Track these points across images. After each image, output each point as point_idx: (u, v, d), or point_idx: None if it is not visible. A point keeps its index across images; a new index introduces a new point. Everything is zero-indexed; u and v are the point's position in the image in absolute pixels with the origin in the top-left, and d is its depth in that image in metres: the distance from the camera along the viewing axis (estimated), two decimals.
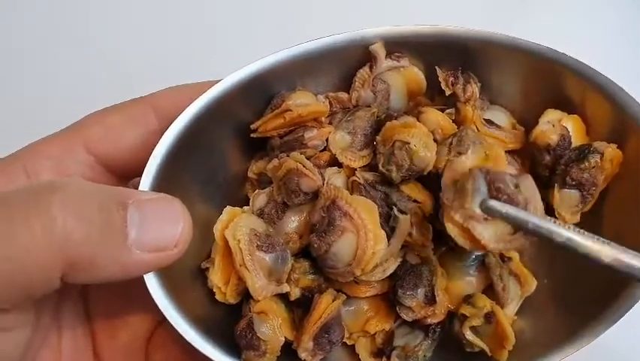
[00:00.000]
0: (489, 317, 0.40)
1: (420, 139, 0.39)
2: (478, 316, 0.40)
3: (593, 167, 0.39)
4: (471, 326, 0.40)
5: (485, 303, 0.40)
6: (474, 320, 0.40)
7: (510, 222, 0.34)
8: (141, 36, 0.71)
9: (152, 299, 0.36)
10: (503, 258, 0.42)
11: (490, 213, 0.34)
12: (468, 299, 0.41)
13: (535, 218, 0.33)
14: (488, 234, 0.34)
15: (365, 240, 0.38)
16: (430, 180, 0.42)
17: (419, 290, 0.40)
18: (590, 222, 0.41)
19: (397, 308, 0.40)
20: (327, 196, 0.39)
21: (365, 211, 0.38)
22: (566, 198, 0.41)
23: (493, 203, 0.34)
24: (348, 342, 0.43)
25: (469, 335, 0.40)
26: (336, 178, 0.42)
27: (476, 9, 0.69)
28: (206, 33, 0.71)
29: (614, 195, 0.41)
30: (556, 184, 0.41)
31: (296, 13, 0.71)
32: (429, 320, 0.40)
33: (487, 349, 0.40)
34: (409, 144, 0.39)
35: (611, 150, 0.39)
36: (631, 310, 0.37)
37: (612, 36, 0.70)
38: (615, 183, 0.41)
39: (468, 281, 0.43)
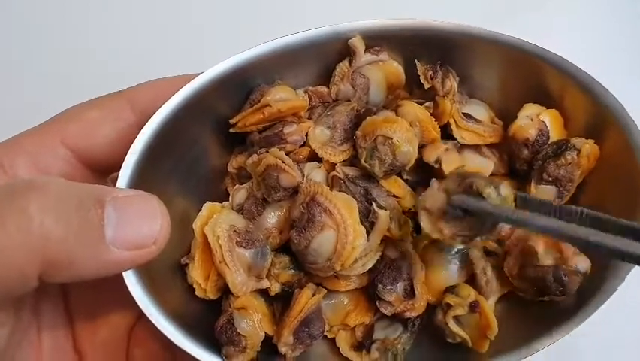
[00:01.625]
0: (474, 306, 0.40)
1: (402, 134, 0.40)
2: (463, 305, 0.40)
3: (570, 163, 0.40)
4: (454, 315, 0.40)
5: (470, 292, 0.41)
6: (458, 309, 0.40)
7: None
8: (123, 33, 0.70)
9: (131, 296, 0.36)
10: (488, 252, 0.42)
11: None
12: (452, 289, 0.41)
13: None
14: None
15: (344, 235, 0.38)
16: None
17: (398, 284, 0.41)
18: None
19: (377, 303, 0.41)
20: (307, 192, 0.39)
21: (344, 207, 0.38)
22: (543, 194, 0.41)
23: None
24: (328, 335, 0.43)
25: (452, 325, 0.40)
26: (315, 173, 0.42)
27: (465, 7, 0.69)
28: (186, 28, 0.70)
29: (591, 188, 0.42)
30: (532, 180, 0.41)
31: (275, 7, 0.71)
32: (408, 314, 0.41)
33: (468, 339, 0.40)
34: (391, 139, 0.39)
35: (588, 147, 0.40)
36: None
37: (605, 36, 0.70)
38: (592, 177, 0.41)
39: (449, 274, 0.43)
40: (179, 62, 0.64)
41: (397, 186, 0.41)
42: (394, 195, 0.41)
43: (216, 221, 0.39)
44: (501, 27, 0.42)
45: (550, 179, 0.40)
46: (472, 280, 0.42)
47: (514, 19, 0.68)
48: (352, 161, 0.43)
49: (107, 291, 0.41)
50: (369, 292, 0.42)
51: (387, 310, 0.40)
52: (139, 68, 0.64)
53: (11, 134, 0.40)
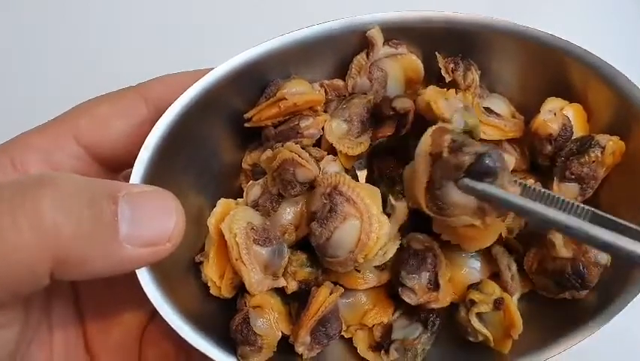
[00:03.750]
0: (498, 303, 0.39)
1: None
2: (487, 302, 0.39)
3: (594, 161, 0.39)
4: (477, 312, 0.39)
5: (494, 289, 0.40)
6: (482, 306, 0.39)
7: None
8: (128, 31, 0.70)
9: (145, 294, 0.35)
10: (510, 249, 0.42)
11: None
12: (476, 286, 0.41)
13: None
14: None
15: (369, 224, 0.37)
16: None
17: (423, 274, 0.39)
18: None
19: (400, 291, 0.39)
20: (328, 183, 0.38)
21: (368, 196, 0.37)
22: (565, 192, 0.40)
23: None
24: (345, 335, 0.42)
25: (475, 322, 0.39)
26: (331, 167, 0.41)
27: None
28: (199, 21, 0.70)
29: (614, 183, 0.41)
30: (555, 177, 0.40)
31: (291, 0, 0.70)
32: (432, 305, 0.40)
33: (490, 338, 0.39)
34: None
35: (613, 143, 0.39)
36: None
37: (616, 27, 0.69)
38: (615, 172, 0.40)
39: (471, 271, 0.42)
40: (188, 58, 0.64)
41: None
42: None
43: (233, 218, 0.38)
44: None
45: (573, 177, 0.39)
46: (493, 277, 0.42)
47: (519, 10, 0.67)
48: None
49: (119, 289, 0.40)
50: (391, 285, 0.41)
51: (410, 299, 0.39)
52: (145, 65, 0.63)
53: (20, 130, 0.39)
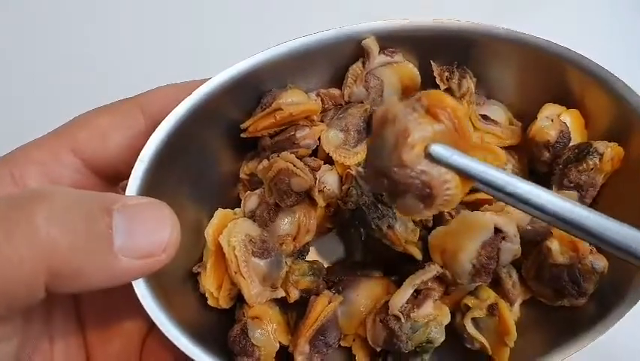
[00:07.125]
0: (492, 308, 0.39)
1: None
2: (481, 307, 0.39)
3: (592, 169, 0.39)
4: (473, 317, 0.39)
5: (489, 295, 0.40)
6: (477, 311, 0.39)
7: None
8: (126, 40, 0.70)
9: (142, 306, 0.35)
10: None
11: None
12: (472, 292, 0.40)
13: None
14: None
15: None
16: None
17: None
18: None
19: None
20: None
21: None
22: None
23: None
24: (342, 344, 0.42)
25: (469, 327, 0.39)
26: (328, 176, 0.42)
27: (475, 4, 0.67)
28: (194, 32, 0.69)
29: (612, 189, 0.40)
30: (554, 185, 0.40)
31: (286, 10, 0.70)
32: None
33: (487, 344, 0.39)
34: None
35: (611, 150, 0.38)
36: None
37: (611, 34, 0.69)
38: (615, 177, 0.40)
39: None
40: (188, 59, 0.64)
41: None
42: None
43: (231, 230, 0.38)
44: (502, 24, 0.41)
45: (571, 185, 0.39)
46: (493, 285, 0.41)
47: (512, 16, 0.66)
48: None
49: (120, 298, 0.40)
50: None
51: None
52: (145, 66, 0.64)
53: (19, 142, 0.40)
